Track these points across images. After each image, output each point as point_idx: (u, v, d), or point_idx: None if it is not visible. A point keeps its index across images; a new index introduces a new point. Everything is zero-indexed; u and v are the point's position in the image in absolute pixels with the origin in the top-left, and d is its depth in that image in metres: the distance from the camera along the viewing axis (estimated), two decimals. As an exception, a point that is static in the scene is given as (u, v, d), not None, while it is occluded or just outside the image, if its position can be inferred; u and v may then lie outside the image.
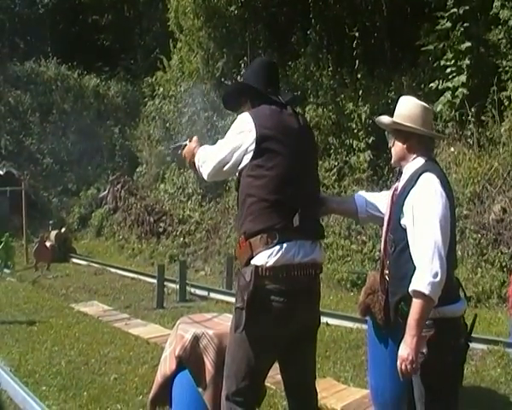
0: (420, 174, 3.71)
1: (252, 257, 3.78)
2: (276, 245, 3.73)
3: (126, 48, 30.86)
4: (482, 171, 13.50)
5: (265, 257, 3.74)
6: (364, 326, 7.28)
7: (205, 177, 4.15)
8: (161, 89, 22.35)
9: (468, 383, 6.76)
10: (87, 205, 24.78)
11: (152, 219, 20.41)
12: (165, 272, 13.87)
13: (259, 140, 3.79)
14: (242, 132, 3.87)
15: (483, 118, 14.24)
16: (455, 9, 14.72)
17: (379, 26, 18.33)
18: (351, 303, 11.60)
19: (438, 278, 3.42)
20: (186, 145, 4.42)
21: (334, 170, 16.21)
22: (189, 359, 4.80)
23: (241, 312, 3.77)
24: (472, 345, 8.50)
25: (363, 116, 16.00)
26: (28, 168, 25.76)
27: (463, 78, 14.43)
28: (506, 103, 13.88)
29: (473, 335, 7.44)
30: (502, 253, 12.19)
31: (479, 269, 12.24)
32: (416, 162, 3.86)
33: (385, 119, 4.15)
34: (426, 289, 3.41)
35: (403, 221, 3.74)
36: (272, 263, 3.73)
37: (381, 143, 15.26)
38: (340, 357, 8.55)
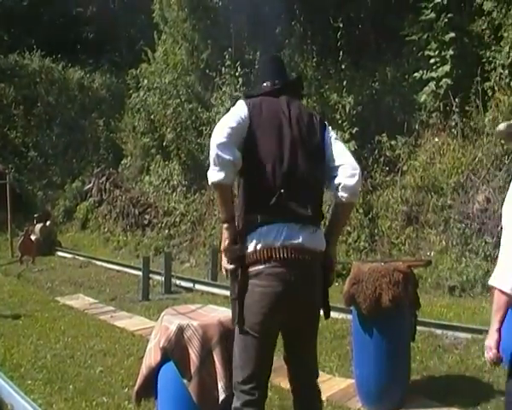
0: None
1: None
2: (256, 228, 3.75)
3: (111, 40, 30.73)
4: (466, 161, 13.56)
5: (248, 242, 3.77)
6: (349, 316, 7.30)
7: (214, 166, 3.74)
8: (146, 81, 22.25)
9: (452, 372, 6.82)
10: (72, 198, 24.65)
11: (137, 212, 20.37)
12: (151, 264, 13.85)
13: (250, 123, 3.83)
14: (237, 112, 3.88)
15: (467, 108, 14.27)
16: (439, 0, 14.75)
17: (363, 17, 18.34)
18: (335, 293, 11.52)
19: None
20: None
21: (320, 160, 16.20)
22: (174, 350, 4.78)
23: (235, 302, 3.84)
24: (456, 334, 8.63)
25: (348, 107, 15.97)
26: (13, 161, 25.70)
27: (447, 68, 14.47)
28: (490, 94, 13.92)
29: (457, 324, 7.56)
30: (486, 242, 12.22)
31: (463, 258, 12.29)
32: None
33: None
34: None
35: None
36: (253, 248, 3.75)
37: (366, 134, 15.33)
38: (325, 347, 8.56)
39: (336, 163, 3.98)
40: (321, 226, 4.00)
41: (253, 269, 3.75)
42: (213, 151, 3.70)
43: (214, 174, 3.73)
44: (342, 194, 3.93)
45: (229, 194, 3.84)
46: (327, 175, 4.01)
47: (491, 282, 3.67)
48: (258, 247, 3.73)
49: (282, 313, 3.81)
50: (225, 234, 3.88)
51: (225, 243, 3.87)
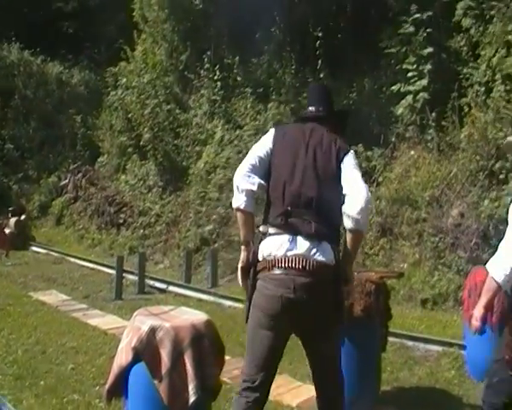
0: None
1: (252, 249, 4.35)
2: (266, 239, 4.27)
3: (90, 36, 30.46)
4: (441, 175, 13.67)
5: (259, 250, 4.29)
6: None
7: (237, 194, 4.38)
8: (124, 79, 22.18)
9: (422, 384, 6.92)
10: (47, 193, 24.44)
11: (112, 210, 20.28)
12: (125, 264, 13.85)
13: (272, 150, 4.42)
14: (264, 141, 4.50)
15: (443, 123, 14.40)
16: (418, 15, 14.92)
17: (343, 28, 18.47)
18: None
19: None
20: None
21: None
22: (145, 350, 4.83)
23: (247, 303, 4.39)
24: (427, 346, 8.74)
25: (325, 116, 16.06)
26: (-12, 154, 25.55)
27: (425, 82, 14.63)
28: (466, 110, 14.05)
29: (428, 336, 7.75)
30: (459, 257, 12.32)
31: (436, 272, 12.38)
32: None
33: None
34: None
35: None
36: (261, 256, 4.27)
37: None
38: (296, 354, 8.53)
39: (344, 191, 4.29)
40: (329, 241, 4.26)
41: (260, 274, 4.24)
42: (235, 180, 4.37)
43: (235, 200, 4.37)
44: (346, 222, 4.24)
45: (247, 219, 4.42)
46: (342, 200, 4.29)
47: (488, 266, 4.44)
48: (266, 255, 4.21)
49: (285, 313, 4.16)
50: (242, 255, 4.46)
51: (241, 263, 4.45)
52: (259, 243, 4.31)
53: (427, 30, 14.78)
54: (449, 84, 14.49)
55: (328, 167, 4.35)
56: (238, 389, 4.41)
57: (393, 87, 15.26)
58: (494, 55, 13.68)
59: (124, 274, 13.36)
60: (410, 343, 8.85)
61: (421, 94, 14.63)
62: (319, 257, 4.16)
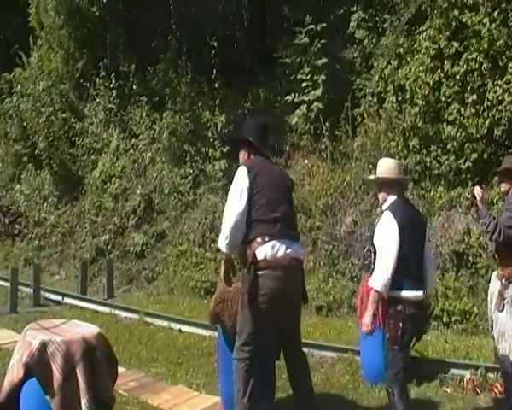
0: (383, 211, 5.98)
1: (251, 255, 5.49)
2: (265, 244, 5.49)
3: (-17, 41, 29.77)
4: (335, 183, 13.87)
5: (259, 253, 5.47)
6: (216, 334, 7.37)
7: (226, 241, 5.65)
8: (19, 86, 21.70)
9: (318, 390, 6.96)
10: None
11: (7, 221, 19.75)
12: (20, 276, 13.53)
13: (251, 181, 5.64)
14: (240, 179, 5.73)
15: (337, 132, 14.63)
16: (312, 26, 15.10)
17: (239, 37, 18.56)
18: (204, 311, 11.63)
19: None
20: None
21: (190, 177, 16.16)
22: (37, 366, 4.72)
23: (245, 295, 5.52)
24: (322, 353, 8.87)
25: (220, 125, 16.11)
26: None
27: (319, 92, 14.81)
28: (359, 120, 14.31)
29: (323, 343, 8.27)
30: (352, 264, 12.54)
31: (330, 279, 12.56)
32: (389, 199, 6.03)
33: (373, 176, 6.50)
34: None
35: (374, 240, 6.03)
36: (263, 256, 5.47)
37: (236, 153, 15.43)
38: (192, 364, 8.62)
39: None
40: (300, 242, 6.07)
41: (262, 271, 5.46)
42: (226, 232, 5.65)
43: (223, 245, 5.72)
44: None
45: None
46: None
47: (371, 283, 5.76)
48: (268, 256, 5.48)
49: (279, 299, 5.52)
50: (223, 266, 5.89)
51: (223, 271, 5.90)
52: (257, 248, 5.50)
53: (322, 41, 14.95)
54: (342, 95, 14.73)
55: (290, 190, 6.27)
56: (237, 357, 5.62)
57: (288, 97, 15.39)
58: (386, 67, 13.95)
59: (19, 286, 13.01)
60: (305, 350, 8.83)
61: (315, 104, 14.80)
62: (300, 253, 5.90)
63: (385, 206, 6.04)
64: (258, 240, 5.51)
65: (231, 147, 6.98)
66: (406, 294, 5.71)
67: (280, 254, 5.50)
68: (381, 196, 6.20)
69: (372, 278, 5.78)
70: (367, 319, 5.82)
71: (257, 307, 5.48)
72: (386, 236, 5.77)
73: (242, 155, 6.19)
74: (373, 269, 5.93)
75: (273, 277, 5.46)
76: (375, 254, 5.98)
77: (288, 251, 5.56)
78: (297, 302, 5.96)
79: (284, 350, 6.03)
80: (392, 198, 6.01)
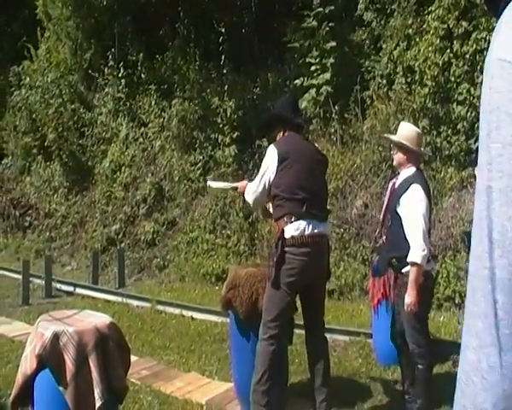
0: (411, 183, 5.87)
1: (279, 232, 5.64)
2: (293, 223, 5.62)
3: (-8, 34, 29.81)
4: (345, 167, 13.82)
5: (287, 231, 5.61)
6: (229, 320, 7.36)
7: (251, 205, 6.27)
8: (28, 79, 21.72)
9: (330, 374, 6.94)
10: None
11: (18, 213, 19.84)
12: (31, 268, 13.54)
13: (280, 159, 5.75)
14: (269, 157, 5.87)
15: (346, 115, 14.56)
16: (321, 9, 15.00)
17: (247, 22, 18.50)
18: (216, 297, 11.64)
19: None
20: (233, 187, 6.68)
21: (200, 164, 16.17)
22: (50, 357, 4.69)
23: (272, 269, 5.58)
24: (334, 336, 8.85)
25: (229, 111, 16.07)
26: None
27: (328, 75, 14.71)
28: (368, 102, 14.26)
29: (335, 326, 8.28)
30: (363, 247, 12.52)
31: (341, 262, 12.54)
32: (410, 170, 6.02)
33: (394, 137, 6.40)
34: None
35: (398, 210, 5.96)
36: (290, 235, 5.59)
37: (246, 138, 15.43)
38: (205, 351, 8.61)
39: None
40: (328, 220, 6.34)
41: (290, 248, 5.58)
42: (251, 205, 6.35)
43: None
44: None
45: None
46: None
47: (410, 259, 5.68)
48: (296, 234, 5.59)
49: (307, 275, 5.65)
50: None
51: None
52: (284, 227, 5.63)
53: (330, 24, 14.84)
54: (351, 78, 14.65)
55: (322, 167, 6.33)
56: (264, 337, 5.62)
57: (297, 81, 15.28)
58: (395, 49, 13.88)
59: (30, 278, 13.04)
60: (318, 334, 8.89)
61: (324, 87, 14.71)
62: (326, 231, 6.01)
63: (404, 174, 6.09)
64: (285, 219, 5.66)
65: (269, 131, 6.97)
66: (429, 267, 5.91)
67: (307, 233, 5.62)
68: (397, 157, 6.21)
69: (411, 253, 5.69)
70: (411, 298, 5.65)
71: (284, 280, 5.57)
72: (421, 209, 5.80)
73: (279, 133, 6.24)
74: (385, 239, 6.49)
75: (300, 252, 5.58)
76: (393, 222, 6.12)
77: (316, 231, 5.66)
78: (323, 281, 6.08)
79: (306, 332, 6.09)
80: (412, 169, 6.05)
